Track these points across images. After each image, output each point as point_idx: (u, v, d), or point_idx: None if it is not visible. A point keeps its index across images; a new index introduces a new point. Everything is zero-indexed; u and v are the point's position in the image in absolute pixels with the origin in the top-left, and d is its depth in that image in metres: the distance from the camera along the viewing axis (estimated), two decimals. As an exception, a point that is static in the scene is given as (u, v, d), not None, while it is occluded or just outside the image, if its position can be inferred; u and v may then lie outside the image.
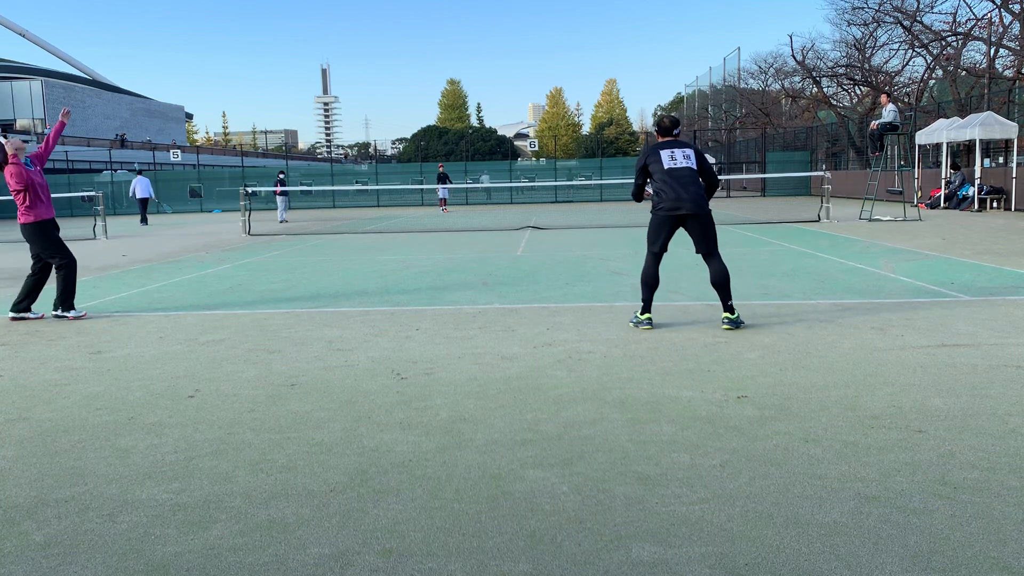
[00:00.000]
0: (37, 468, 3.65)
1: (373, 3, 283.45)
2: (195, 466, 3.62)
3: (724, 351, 5.55)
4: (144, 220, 28.29)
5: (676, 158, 6.26)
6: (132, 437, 4.05)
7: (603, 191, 38.45)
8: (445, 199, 32.60)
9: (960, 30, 30.26)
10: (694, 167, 6.28)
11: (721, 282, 6.23)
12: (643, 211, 26.81)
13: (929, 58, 32.69)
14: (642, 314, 6.43)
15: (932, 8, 31.86)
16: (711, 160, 18.38)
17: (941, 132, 22.81)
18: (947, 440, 3.66)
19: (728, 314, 6.24)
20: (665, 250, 6.42)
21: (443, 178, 31.64)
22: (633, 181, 6.61)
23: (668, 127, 6.53)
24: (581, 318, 6.96)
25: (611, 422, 4.07)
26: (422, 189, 36.55)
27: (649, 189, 6.53)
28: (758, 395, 4.46)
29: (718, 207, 28.74)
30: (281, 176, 29.14)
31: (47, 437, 4.09)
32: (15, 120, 57.61)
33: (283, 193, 27.39)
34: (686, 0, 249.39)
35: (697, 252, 6.40)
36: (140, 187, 28.71)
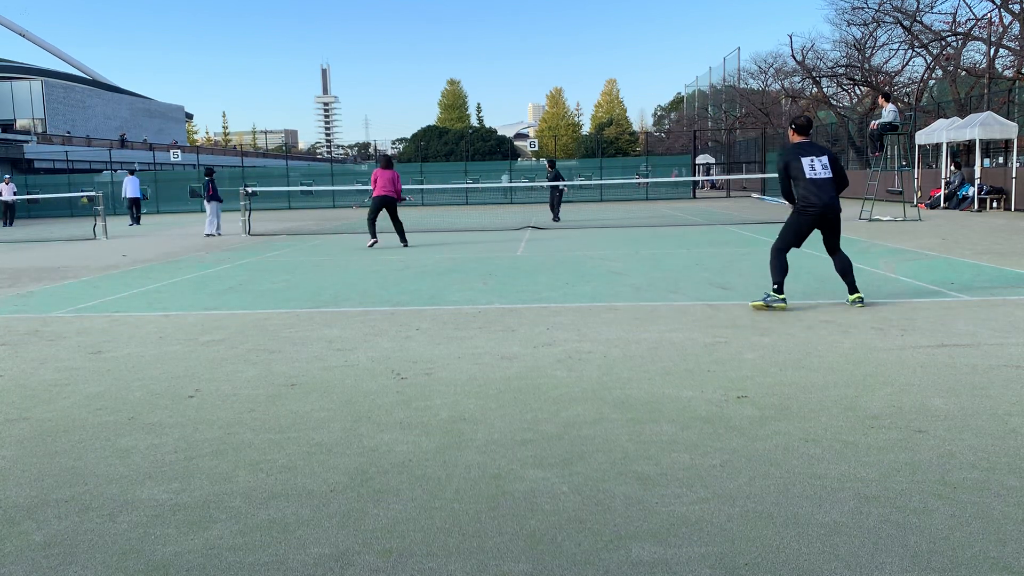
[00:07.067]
0: (37, 468, 3.65)
1: (373, 3, 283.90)
2: (195, 466, 3.62)
3: (724, 351, 5.55)
4: (135, 221, 27.69)
5: (816, 168, 7.02)
6: (132, 437, 4.05)
7: (603, 191, 38.45)
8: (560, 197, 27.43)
9: (960, 30, 30.26)
10: (831, 176, 7.05)
11: (846, 270, 7.16)
12: (642, 212, 26.78)
13: (929, 58, 32.70)
14: (777, 293, 7.06)
15: (932, 8, 31.87)
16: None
17: (941, 132, 22.80)
18: (947, 440, 3.66)
19: (857, 294, 7.11)
20: (799, 246, 7.29)
21: (557, 177, 25.95)
22: (778, 181, 7.32)
23: (805, 126, 7.30)
24: (581, 318, 6.96)
25: (611, 422, 4.07)
26: (422, 189, 36.55)
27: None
28: (758, 395, 4.46)
29: (717, 207, 28.70)
30: (208, 178, 20.57)
31: (47, 437, 4.09)
32: (15, 120, 57.60)
33: (212, 198, 20.20)
34: (686, 0, 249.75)
35: (825, 246, 7.27)
36: (131, 187, 28.17)
